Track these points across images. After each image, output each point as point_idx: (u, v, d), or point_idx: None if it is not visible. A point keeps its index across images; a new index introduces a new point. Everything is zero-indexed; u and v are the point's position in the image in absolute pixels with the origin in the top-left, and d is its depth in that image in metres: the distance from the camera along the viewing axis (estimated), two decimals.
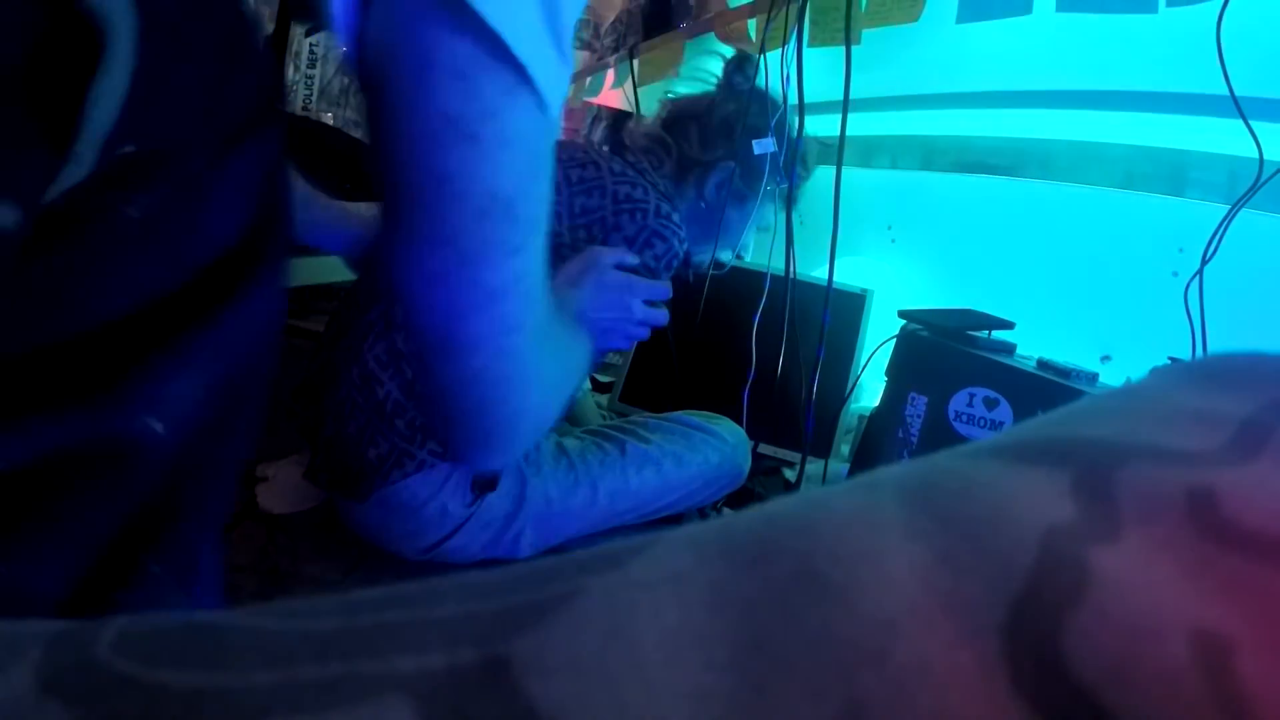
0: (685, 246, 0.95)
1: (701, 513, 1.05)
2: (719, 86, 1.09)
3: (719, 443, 1.02)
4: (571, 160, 0.95)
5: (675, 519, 1.02)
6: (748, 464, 1.06)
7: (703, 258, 1.14)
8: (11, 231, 0.21)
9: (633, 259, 0.88)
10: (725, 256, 1.16)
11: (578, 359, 0.54)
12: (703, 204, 1.07)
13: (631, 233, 0.91)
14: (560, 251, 0.89)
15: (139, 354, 0.25)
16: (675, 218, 0.94)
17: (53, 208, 0.23)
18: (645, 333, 0.84)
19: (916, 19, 1.00)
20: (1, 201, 0.21)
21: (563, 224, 0.91)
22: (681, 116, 1.07)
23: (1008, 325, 0.98)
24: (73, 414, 0.24)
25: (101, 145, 0.23)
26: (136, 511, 0.26)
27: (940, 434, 0.92)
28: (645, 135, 1.07)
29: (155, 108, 0.24)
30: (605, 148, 1.08)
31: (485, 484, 0.87)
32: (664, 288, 0.86)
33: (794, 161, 1.03)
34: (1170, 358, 0.86)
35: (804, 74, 1.01)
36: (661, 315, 0.85)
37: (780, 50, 1.06)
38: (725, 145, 1.05)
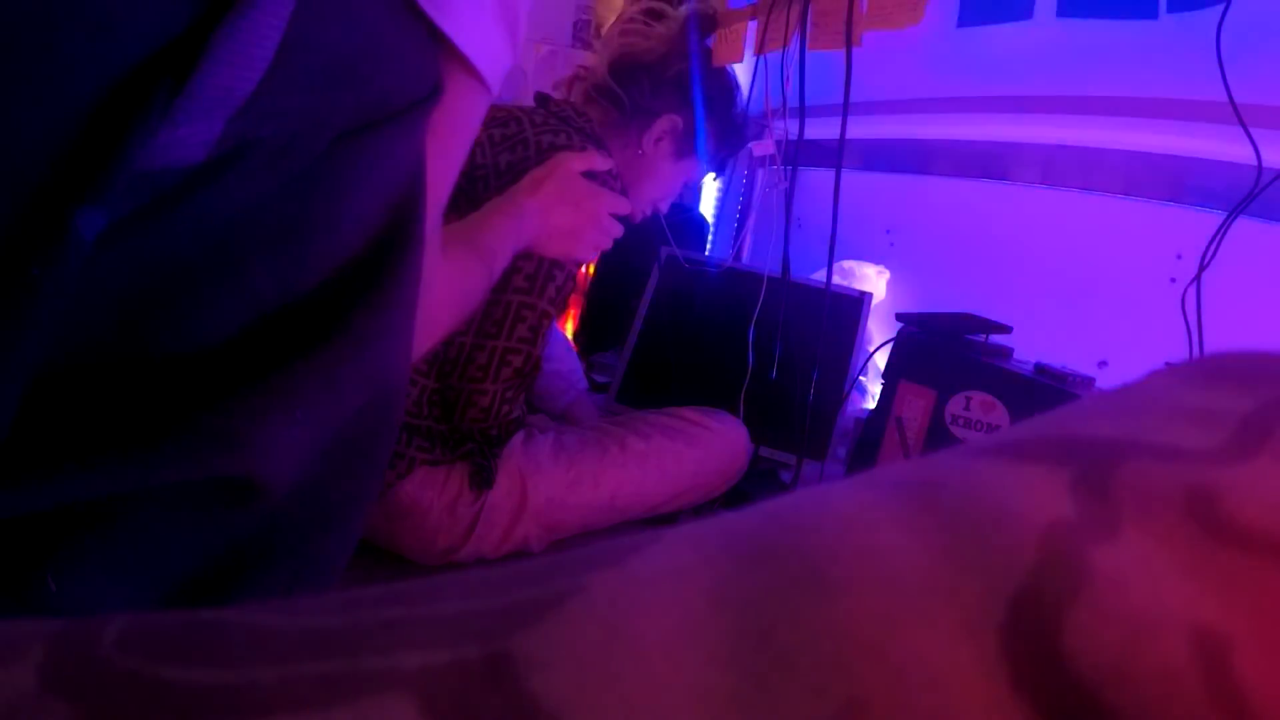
0: (617, 188, 0.93)
1: (697, 512, 1.05)
2: (673, 39, 1.07)
3: (719, 437, 1.03)
4: (493, 120, 0.94)
5: (672, 517, 1.02)
6: (748, 457, 1.07)
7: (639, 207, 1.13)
8: (91, 243, 0.17)
9: (601, 164, 0.88)
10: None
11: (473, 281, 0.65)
12: (640, 152, 1.06)
13: None
14: None
15: (232, 391, 0.21)
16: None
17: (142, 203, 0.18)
18: (608, 242, 0.88)
19: (918, 22, 1.00)
20: (88, 206, 0.16)
21: (490, 186, 0.90)
22: (632, 66, 1.05)
23: (1005, 329, 0.98)
24: (148, 456, 0.20)
25: (229, 120, 0.18)
26: (224, 553, 0.23)
27: (937, 437, 0.92)
28: (594, 87, 1.06)
29: (303, 78, 0.19)
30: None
31: (483, 479, 0.87)
32: (624, 201, 0.89)
33: (795, 162, 1.04)
34: (1167, 364, 0.86)
35: (804, 76, 1.01)
36: (619, 228, 0.88)
37: (781, 52, 1.06)
38: (675, 97, 1.05)
